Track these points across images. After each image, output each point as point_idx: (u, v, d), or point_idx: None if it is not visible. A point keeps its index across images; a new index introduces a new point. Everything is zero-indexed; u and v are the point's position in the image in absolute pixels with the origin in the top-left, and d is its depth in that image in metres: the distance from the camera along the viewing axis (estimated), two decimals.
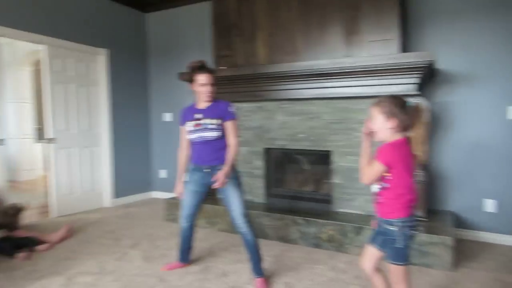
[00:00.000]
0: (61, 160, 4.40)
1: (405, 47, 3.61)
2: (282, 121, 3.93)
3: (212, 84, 2.51)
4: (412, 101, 1.71)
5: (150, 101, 5.54)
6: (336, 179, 3.67)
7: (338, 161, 3.65)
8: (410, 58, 3.07)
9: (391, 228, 1.76)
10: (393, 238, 1.75)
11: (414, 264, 2.90)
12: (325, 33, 3.66)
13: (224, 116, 2.53)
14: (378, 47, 3.43)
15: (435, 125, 3.65)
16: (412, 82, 3.15)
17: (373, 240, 1.91)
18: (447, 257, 2.83)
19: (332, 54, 3.61)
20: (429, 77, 3.49)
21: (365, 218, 3.36)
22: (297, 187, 4.13)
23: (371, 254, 1.91)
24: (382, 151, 1.73)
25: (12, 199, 3.76)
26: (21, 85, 6.92)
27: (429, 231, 2.97)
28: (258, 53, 4.02)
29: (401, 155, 1.72)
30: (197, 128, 2.51)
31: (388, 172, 1.74)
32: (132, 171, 5.26)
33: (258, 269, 2.54)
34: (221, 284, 2.56)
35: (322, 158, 3.86)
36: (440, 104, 3.64)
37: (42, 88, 4.32)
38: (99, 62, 4.82)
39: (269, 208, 3.77)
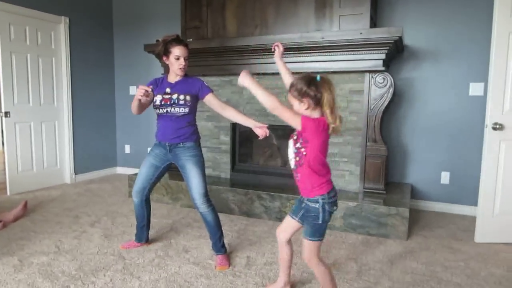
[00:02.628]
0: (16, 135, 4.15)
1: (376, 23, 3.58)
2: (250, 96, 3.85)
3: (186, 58, 2.41)
4: (319, 75, 1.70)
5: (115, 73, 5.29)
6: None
7: None
8: (378, 33, 3.04)
9: (312, 205, 1.79)
10: (314, 214, 1.79)
11: (371, 234, 3.00)
12: (297, 6, 3.56)
13: (201, 92, 2.46)
14: (349, 22, 3.37)
15: (399, 100, 3.69)
16: (380, 58, 3.14)
17: (293, 213, 1.97)
18: (402, 227, 2.94)
19: (302, 28, 3.52)
20: (396, 53, 3.49)
21: None
22: (264, 162, 4.11)
23: (289, 226, 1.98)
24: (305, 118, 1.70)
25: None
26: None
27: (387, 203, 3.06)
28: (227, 25, 3.87)
29: (320, 135, 1.72)
30: (165, 103, 2.42)
31: (303, 145, 1.75)
32: (95, 146, 5.07)
33: (218, 247, 2.51)
34: (182, 260, 2.53)
35: (290, 133, 3.83)
36: (405, 80, 3.67)
37: None
38: (59, 32, 4.52)
39: (234, 184, 3.74)
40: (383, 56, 3.13)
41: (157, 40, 2.46)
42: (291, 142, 1.84)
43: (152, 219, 2.79)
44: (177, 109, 2.41)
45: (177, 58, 2.39)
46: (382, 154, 3.30)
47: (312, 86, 1.68)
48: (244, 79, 1.79)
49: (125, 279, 2.25)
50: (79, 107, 4.80)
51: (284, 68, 2.16)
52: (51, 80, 4.49)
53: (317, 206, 1.77)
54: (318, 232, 1.81)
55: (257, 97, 1.75)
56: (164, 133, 2.46)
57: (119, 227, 3.14)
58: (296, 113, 1.72)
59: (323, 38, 3.23)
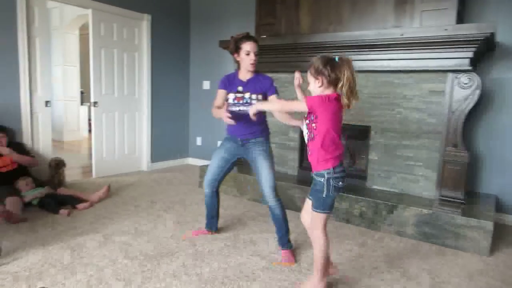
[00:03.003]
0: (103, 123, 4.55)
1: (462, 18, 3.32)
2: None
3: (256, 54, 2.47)
4: (338, 56, 1.81)
5: (190, 68, 5.55)
6: (372, 155, 3.55)
7: (377, 137, 3.51)
8: (466, 30, 2.82)
9: (318, 179, 1.90)
10: (319, 188, 1.89)
11: (447, 246, 2.82)
12: (375, 1, 3.43)
13: (267, 90, 2.52)
14: (431, 18, 3.17)
15: (487, 103, 3.40)
16: (466, 56, 2.92)
17: (309, 194, 2.04)
18: (484, 241, 2.71)
19: (380, 24, 3.40)
20: (485, 51, 3.22)
21: (400, 197, 3.26)
22: None
23: (308, 208, 2.04)
24: (310, 97, 1.86)
25: (55, 156, 3.96)
26: (68, 49, 7.15)
27: (467, 213, 2.84)
28: (301, 22, 3.86)
29: (328, 107, 1.81)
30: (238, 101, 2.50)
31: (314, 121, 1.86)
32: (169, 137, 5.37)
33: (284, 241, 2.54)
34: (249, 252, 2.59)
35: (360, 133, 3.74)
36: (495, 81, 3.36)
37: (88, 52, 4.42)
38: (142, 28, 4.84)
39: (302, 181, 3.73)
40: (470, 54, 2.90)
41: (232, 37, 2.54)
42: (304, 122, 1.96)
43: (220, 210, 2.91)
44: (249, 108, 2.47)
45: (247, 53, 2.45)
46: (463, 161, 3.07)
47: (328, 66, 1.80)
48: (252, 109, 2.04)
49: (196, 264, 2.36)
50: (157, 99, 5.11)
51: (302, 96, 2.15)
52: (134, 74, 4.83)
53: (322, 180, 1.87)
54: (322, 205, 1.90)
55: (272, 111, 2.01)
56: (236, 128, 2.52)
57: (190, 215, 3.30)
58: (297, 101, 1.92)
59: (402, 35, 3.08)
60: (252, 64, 2.47)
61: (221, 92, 2.59)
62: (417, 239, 2.96)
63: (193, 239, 2.76)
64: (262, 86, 2.51)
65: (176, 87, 5.40)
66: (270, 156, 2.54)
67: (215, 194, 2.76)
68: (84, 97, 8.00)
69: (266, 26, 4.07)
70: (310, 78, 1.88)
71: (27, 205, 3.23)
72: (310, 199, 2.03)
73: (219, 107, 2.55)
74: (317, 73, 1.84)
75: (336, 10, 3.64)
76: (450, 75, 3.09)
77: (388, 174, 3.48)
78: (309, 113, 1.88)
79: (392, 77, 3.38)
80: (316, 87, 1.86)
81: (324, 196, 1.87)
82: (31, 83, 3.81)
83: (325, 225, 1.94)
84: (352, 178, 3.65)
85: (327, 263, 2.00)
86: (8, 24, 3.60)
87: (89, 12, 4.27)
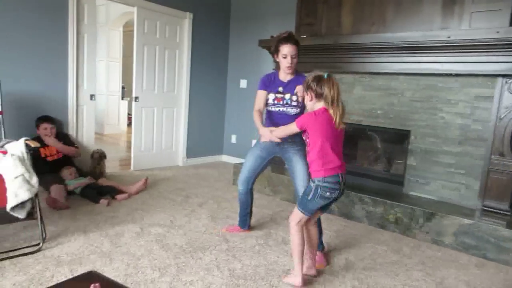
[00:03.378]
0: (142, 118, 4.70)
1: None
2: (359, 96, 3.75)
3: (294, 56, 2.43)
4: (327, 73, 1.99)
5: (228, 66, 5.61)
6: (411, 161, 3.45)
7: (416, 142, 3.41)
8: None
9: (311, 183, 2.06)
10: (308, 190, 2.06)
11: (488, 258, 2.69)
12: (421, 3, 3.32)
13: None
14: (482, 19, 3.02)
15: None
16: None
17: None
18: None
19: (425, 26, 3.29)
20: None
21: (439, 205, 3.15)
22: (368, 165, 3.97)
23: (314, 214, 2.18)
24: (300, 117, 2.10)
25: (97, 147, 4.13)
26: (112, 45, 7.43)
27: None
28: (342, 22, 3.81)
29: (317, 122, 1.98)
30: (278, 102, 2.50)
31: (307, 136, 2.05)
32: (205, 134, 5.46)
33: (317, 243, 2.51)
34: (281, 251, 2.59)
35: (398, 137, 3.65)
36: None
37: (132, 48, 4.57)
38: (184, 26, 4.95)
39: None
40: None
41: (272, 36, 2.53)
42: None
43: (253, 208, 2.93)
44: (289, 109, 2.49)
45: (284, 56, 2.43)
46: (509, 170, 2.92)
47: (315, 81, 2.00)
48: (268, 137, 2.27)
49: (229, 260, 2.39)
50: (195, 96, 5.21)
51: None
52: (173, 71, 4.95)
53: (312, 185, 2.04)
54: (304, 205, 2.07)
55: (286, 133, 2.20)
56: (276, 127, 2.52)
57: (224, 211, 3.34)
58: (292, 124, 2.09)
59: (449, 37, 2.97)
60: (287, 67, 2.45)
61: (262, 94, 2.55)
62: (455, 249, 2.85)
63: (225, 235, 2.80)
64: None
65: (214, 85, 5.48)
66: (305, 156, 2.52)
67: (250, 192, 2.77)
68: (124, 92, 8.30)
69: (306, 26, 4.05)
70: (304, 93, 2.10)
71: (70, 193, 3.39)
72: None
73: (260, 111, 2.51)
74: (306, 88, 2.05)
75: (380, 10, 3.56)
76: (500, 79, 2.95)
77: (426, 181, 3.37)
78: (304, 130, 2.06)
79: (435, 81, 3.27)
80: (308, 101, 2.08)
81: (308, 198, 2.04)
82: (77, 77, 4.00)
83: (301, 223, 2.10)
84: (387, 183, 3.57)
85: (301, 256, 2.11)
86: (60, 21, 3.78)
87: (134, 9, 4.41)
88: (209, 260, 2.37)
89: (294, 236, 2.11)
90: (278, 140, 2.28)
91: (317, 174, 2.02)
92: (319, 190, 2.01)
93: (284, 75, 2.53)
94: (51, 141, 3.54)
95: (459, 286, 2.29)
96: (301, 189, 2.47)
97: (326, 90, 1.96)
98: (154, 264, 2.27)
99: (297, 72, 2.54)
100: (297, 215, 2.10)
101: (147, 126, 4.77)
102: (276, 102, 2.51)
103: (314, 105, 2.05)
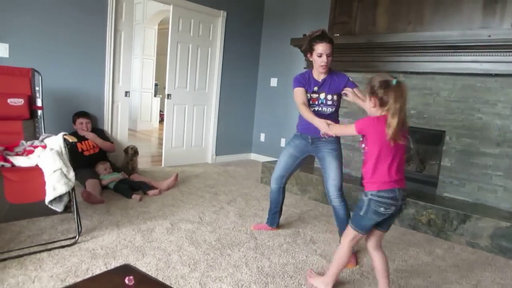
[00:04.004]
0: (174, 115, 4.79)
1: None
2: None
3: (329, 55, 2.39)
4: (397, 79, 1.75)
5: (259, 65, 5.62)
6: (445, 162, 3.34)
7: (452, 143, 3.30)
8: None
9: (363, 197, 1.86)
10: (360, 205, 1.87)
11: None
12: (461, 1, 3.22)
13: (346, 87, 2.44)
14: None
15: None
16: None
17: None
18: None
19: (465, 25, 3.18)
20: None
21: (475, 207, 3.05)
22: None
23: (370, 233, 1.96)
24: (360, 120, 1.85)
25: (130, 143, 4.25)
26: (147, 43, 7.60)
27: None
28: (377, 21, 3.75)
29: (377, 130, 1.76)
30: (313, 102, 2.48)
31: (364, 142, 1.86)
32: (234, 132, 5.51)
33: None
34: (309, 250, 2.59)
35: (432, 138, 3.54)
36: None
37: (166, 46, 4.66)
38: (217, 24, 5.00)
39: None
40: None
41: (304, 35, 2.50)
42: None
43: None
44: (324, 108, 2.47)
45: (319, 55, 2.38)
46: None
47: (383, 88, 1.75)
48: (325, 130, 2.14)
49: (257, 258, 2.41)
50: (225, 94, 5.26)
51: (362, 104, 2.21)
52: (205, 69, 5.02)
53: (365, 199, 1.84)
54: (357, 222, 1.89)
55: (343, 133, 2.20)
56: (308, 127, 2.49)
57: (252, 209, 3.37)
58: (350, 125, 1.90)
59: (490, 36, 2.86)
60: (322, 66, 2.41)
61: (301, 90, 2.47)
62: (492, 252, 2.75)
63: (254, 233, 2.82)
64: (338, 86, 2.45)
65: (244, 83, 5.51)
66: (339, 156, 2.50)
67: (282, 190, 2.78)
68: (157, 89, 8.47)
69: (339, 24, 4.00)
70: (367, 95, 1.86)
71: (104, 188, 3.52)
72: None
73: (306, 104, 2.43)
74: (371, 93, 1.81)
75: (417, 9, 3.46)
76: None
77: (461, 182, 3.26)
78: (363, 136, 1.88)
79: (474, 81, 3.16)
80: (370, 107, 1.85)
81: (361, 214, 1.85)
82: (114, 74, 4.12)
83: (354, 240, 1.94)
84: (420, 184, 3.48)
85: (338, 271, 2.03)
86: (99, 18, 3.89)
87: (170, 7, 4.50)
88: (237, 257, 2.40)
89: (342, 249, 1.97)
90: (333, 135, 2.23)
91: (371, 187, 1.83)
92: (371, 205, 1.81)
93: (318, 74, 2.50)
94: (90, 135, 3.69)
95: None
96: (332, 189, 2.45)
97: (391, 101, 1.71)
98: (184, 259, 2.32)
99: (331, 70, 2.51)
100: (349, 231, 1.94)
101: (178, 123, 4.87)
102: (311, 102, 2.48)
103: (376, 112, 1.82)
